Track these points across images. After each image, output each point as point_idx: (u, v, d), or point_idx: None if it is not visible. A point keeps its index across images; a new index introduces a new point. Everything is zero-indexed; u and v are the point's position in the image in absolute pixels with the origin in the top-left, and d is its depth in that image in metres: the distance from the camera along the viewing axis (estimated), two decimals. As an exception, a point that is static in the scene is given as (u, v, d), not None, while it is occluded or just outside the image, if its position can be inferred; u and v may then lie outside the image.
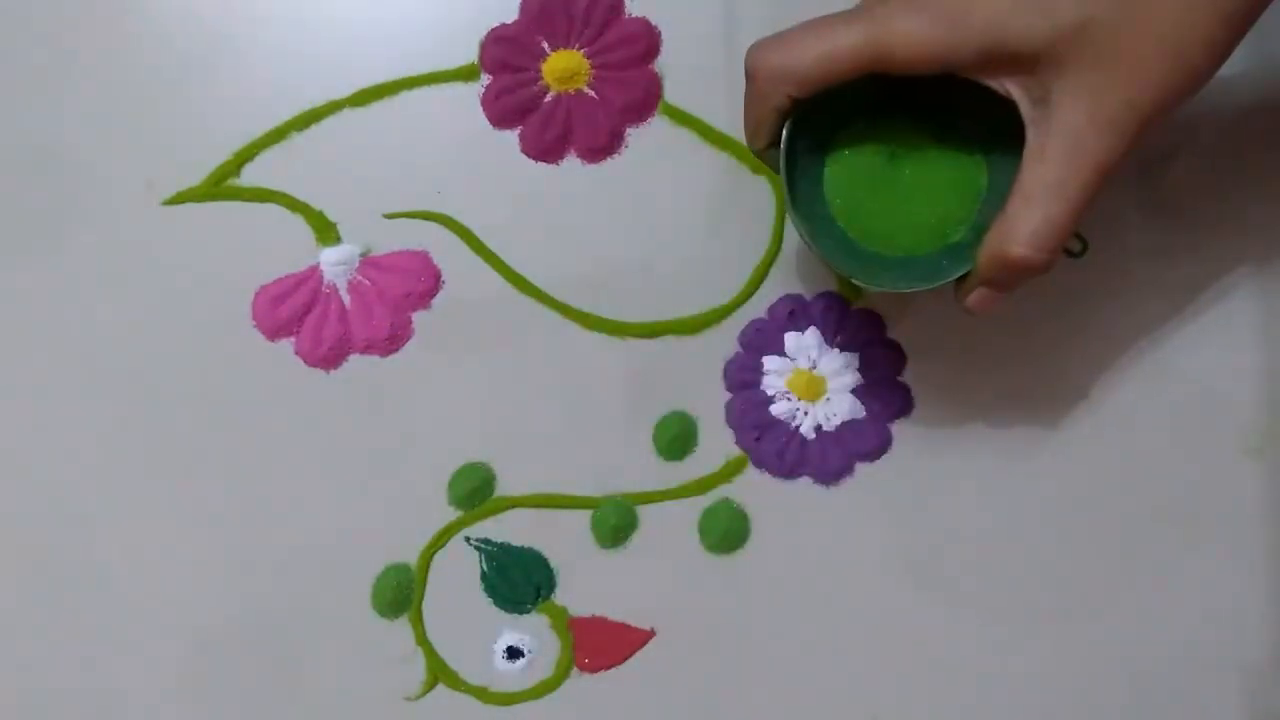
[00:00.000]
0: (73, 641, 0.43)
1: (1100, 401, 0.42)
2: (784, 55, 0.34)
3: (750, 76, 0.35)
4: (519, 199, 0.43)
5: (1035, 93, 0.33)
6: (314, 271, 0.43)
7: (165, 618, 0.43)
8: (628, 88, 0.43)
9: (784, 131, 0.35)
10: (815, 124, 0.36)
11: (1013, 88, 0.33)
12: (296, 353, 0.43)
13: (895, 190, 0.37)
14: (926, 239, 0.37)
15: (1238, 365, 0.41)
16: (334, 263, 0.43)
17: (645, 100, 0.43)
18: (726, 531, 0.42)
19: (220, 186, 0.44)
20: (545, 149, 0.43)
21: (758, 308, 0.42)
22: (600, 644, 0.42)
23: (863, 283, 0.37)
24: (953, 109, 0.36)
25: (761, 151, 0.36)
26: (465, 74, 0.43)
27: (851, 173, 0.38)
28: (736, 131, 0.42)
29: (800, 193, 0.37)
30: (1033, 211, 0.33)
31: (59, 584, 0.43)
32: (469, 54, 0.43)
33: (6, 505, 0.44)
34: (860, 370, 0.42)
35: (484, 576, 0.43)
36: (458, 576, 0.43)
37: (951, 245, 0.37)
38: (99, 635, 0.43)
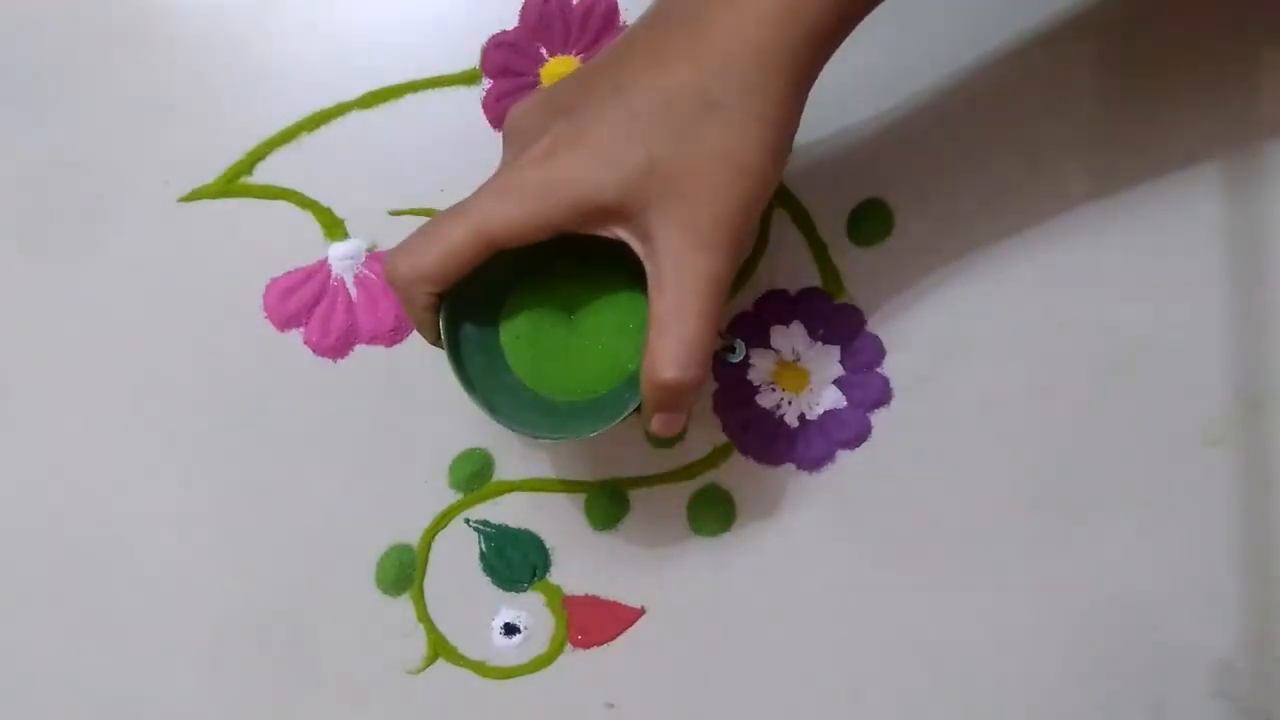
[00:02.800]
0: (92, 621, 0.44)
1: (1067, 391, 0.43)
2: (410, 262, 0.36)
3: (390, 286, 0.37)
4: None
5: (639, 232, 0.35)
6: (322, 266, 0.44)
7: (183, 596, 0.44)
8: None
9: (440, 322, 0.37)
10: (483, 300, 0.38)
11: (620, 233, 0.35)
12: (305, 343, 0.44)
13: (572, 338, 0.39)
14: (608, 376, 0.39)
15: (1201, 356, 0.42)
16: (341, 257, 0.44)
17: None
18: (714, 515, 0.43)
19: (233, 184, 0.44)
20: None
21: (744, 303, 0.44)
22: (593, 621, 0.43)
23: (552, 439, 0.38)
24: (612, 252, 0.37)
25: (436, 344, 0.38)
26: (467, 78, 0.44)
27: (528, 333, 0.39)
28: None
29: (479, 366, 0.38)
30: (666, 338, 0.35)
31: (79, 565, 0.44)
32: (471, 60, 0.44)
33: (29, 493, 0.45)
34: (842, 362, 0.43)
35: (483, 557, 0.44)
36: (458, 556, 0.44)
37: (631, 376, 0.38)
38: (119, 614, 0.44)
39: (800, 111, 0.35)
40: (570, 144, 0.34)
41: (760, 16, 0.33)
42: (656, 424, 0.37)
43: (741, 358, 0.38)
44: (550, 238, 0.35)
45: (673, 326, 0.34)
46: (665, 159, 0.33)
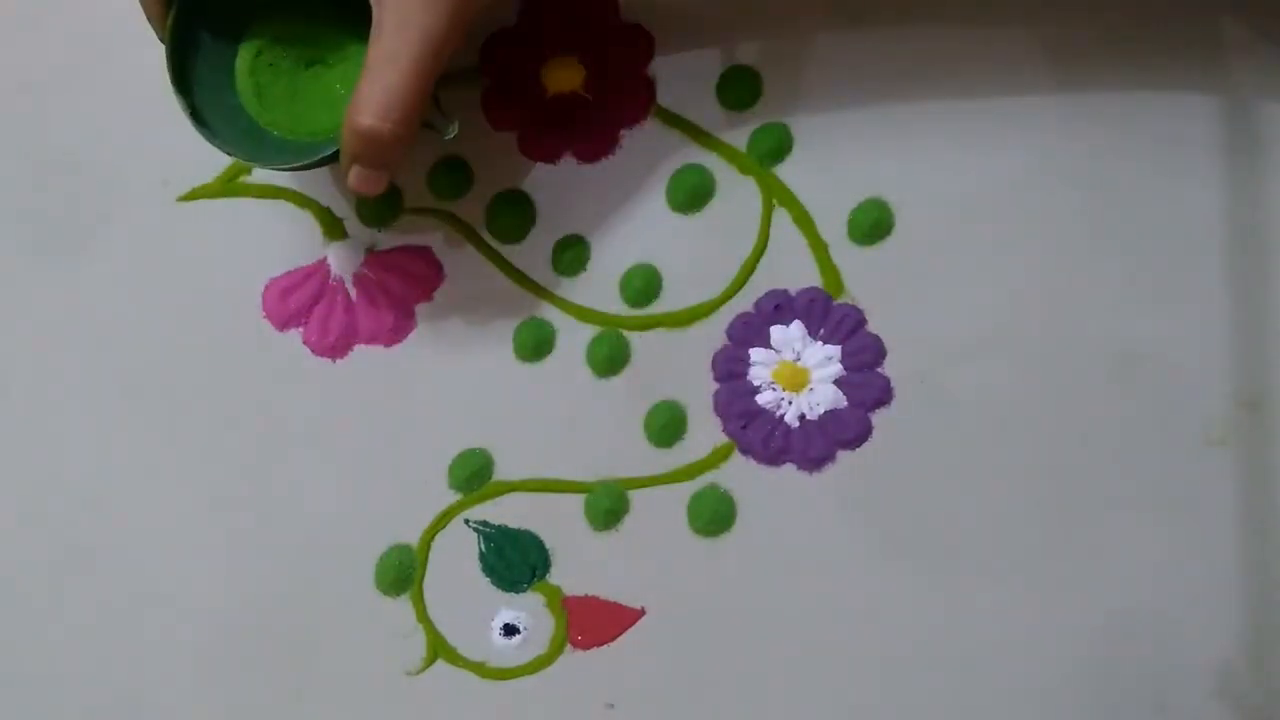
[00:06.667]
0: (90, 621, 0.44)
1: (1067, 391, 0.43)
2: None
3: None
4: (518, 197, 0.44)
5: None
6: (322, 265, 0.45)
7: (182, 596, 0.44)
8: (622, 91, 0.44)
9: (170, 17, 0.38)
10: (229, 16, 0.40)
11: None
12: (304, 343, 0.44)
13: (304, 79, 0.40)
14: (326, 125, 0.40)
15: (1202, 356, 0.42)
16: (341, 257, 0.44)
17: (639, 103, 0.44)
18: (714, 515, 0.43)
19: (233, 184, 0.45)
20: (543, 150, 0.44)
21: (745, 302, 0.44)
22: (593, 622, 0.43)
23: (245, 160, 0.40)
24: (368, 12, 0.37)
25: (161, 38, 0.38)
26: (466, 77, 0.44)
27: (263, 60, 0.40)
28: (725, 134, 0.44)
29: (202, 76, 0.39)
30: (372, 85, 0.36)
31: (77, 566, 0.45)
32: (470, 58, 0.44)
33: (28, 492, 0.45)
34: (842, 362, 0.43)
35: (482, 557, 0.44)
36: (457, 557, 0.44)
37: None
38: (117, 613, 0.44)
39: None
40: None
41: None
42: (353, 178, 0.37)
43: (453, 136, 0.39)
44: None
45: (380, 74, 0.35)
46: None
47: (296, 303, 0.44)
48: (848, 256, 0.43)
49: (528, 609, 0.44)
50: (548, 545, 0.44)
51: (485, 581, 0.44)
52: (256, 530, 0.44)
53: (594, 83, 0.44)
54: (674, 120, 0.44)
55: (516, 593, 0.44)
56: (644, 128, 0.44)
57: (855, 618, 0.43)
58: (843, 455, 0.43)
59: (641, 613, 0.43)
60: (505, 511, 0.44)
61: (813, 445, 0.43)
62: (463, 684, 0.43)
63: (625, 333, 0.44)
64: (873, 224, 0.43)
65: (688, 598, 0.43)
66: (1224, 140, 0.43)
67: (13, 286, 0.45)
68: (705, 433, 0.44)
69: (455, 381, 0.44)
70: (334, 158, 0.38)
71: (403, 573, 0.44)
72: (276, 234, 0.44)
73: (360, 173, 0.37)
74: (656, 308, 0.44)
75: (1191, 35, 0.43)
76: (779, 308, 0.43)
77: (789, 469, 0.43)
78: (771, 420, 0.43)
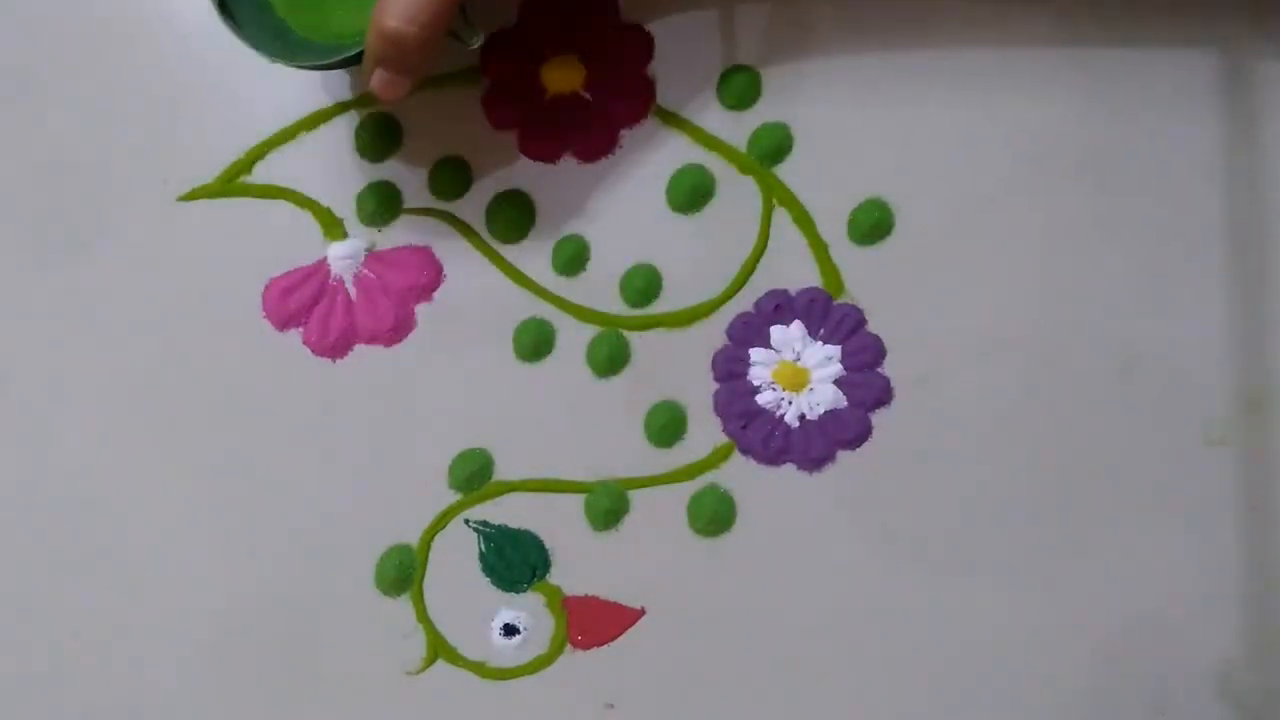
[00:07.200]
0: (89, 622, 0.44)
1: (1067, 391, 0.43)
2: None
3: None
4: (518, 197, 0.44)
5: None
6: (322, 265, 0.44)
7: (181, 597, 0.44)
8: (622, 91, 0.44)
9: None
10: None
11: None
12: (305, 343, 0.44)
13: None
14: (354, 33, 0.40)
15: (1202, 356, 0.42)
16: (341, 257, 0.44)
17: (639, 103, 0.44)
18: (714, 515, 0.43)
19: (233, 183, 0.45)
20: (543, 149, 0.44)
21: (745, 302, 0.44)
22: (593, 622, 0.43)
23: (268, 57, 0.39)
24: None
25: None
26: (466, 77, 0.44)
27: None
28: (725, 134, 0.44)
29: None
30: None
31: (76, 566, 0.45)
32: (471, 58, 0.44)
33: (27, 493, 0.45)
34: (842, 362, 0.43)
35: (482, 557, 0.44)
36: (457, 557, 0.44)
37: None
38: (117, 615, 0.44)
39: None
40: None
41: None
42: (375, 81, 0.38)
43: (478, 44, 0.39)
44: None
45: None
46: None
47: (296, 303, 0.44)
48: (848, 256, 0.43)
49: (528, 609, 0.44)
50: (548, 545, 0.44)
51: (485, 581, 0.44)
52: (256, 530, 0.44)
53: (594, 83, 0.44)
54: (674, 120, 0.44)
55: (516, 593, 0.44)
56: (644, 128, 0.44)
57: (855, 618, 0.43)
58: (843, 455, 0.43)
59: (641, 613, 0.43)
60: (505, 511, 0.44)
61: (813, 445, 0.43)
62: (463, 684, 0.44)
63: (625, 333, 0.44)
64: (873, 224, 0.43)
65: (688, 598, 0.43)
66: (1226, 142, 0.43)
67: (13, 286, 0.45)
68: (705, 433, 0.44)
69: (455, 381, 0.44)
70: (357, 59, 0.38)
71: (403, 573, 0.44)
72: (276, 234, 0.44)
73: (383, 76, 0.37)
74: (656, 308, 0.44)
75: (1196, 37, 0.43)
76: (779, 308, 0.43)
77: (789, 469, 0.43)
78: (771, 420, 0.43)
